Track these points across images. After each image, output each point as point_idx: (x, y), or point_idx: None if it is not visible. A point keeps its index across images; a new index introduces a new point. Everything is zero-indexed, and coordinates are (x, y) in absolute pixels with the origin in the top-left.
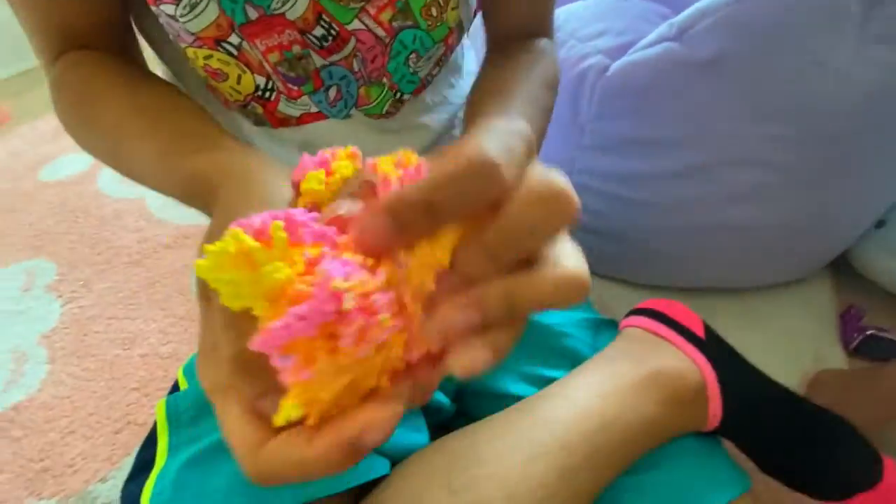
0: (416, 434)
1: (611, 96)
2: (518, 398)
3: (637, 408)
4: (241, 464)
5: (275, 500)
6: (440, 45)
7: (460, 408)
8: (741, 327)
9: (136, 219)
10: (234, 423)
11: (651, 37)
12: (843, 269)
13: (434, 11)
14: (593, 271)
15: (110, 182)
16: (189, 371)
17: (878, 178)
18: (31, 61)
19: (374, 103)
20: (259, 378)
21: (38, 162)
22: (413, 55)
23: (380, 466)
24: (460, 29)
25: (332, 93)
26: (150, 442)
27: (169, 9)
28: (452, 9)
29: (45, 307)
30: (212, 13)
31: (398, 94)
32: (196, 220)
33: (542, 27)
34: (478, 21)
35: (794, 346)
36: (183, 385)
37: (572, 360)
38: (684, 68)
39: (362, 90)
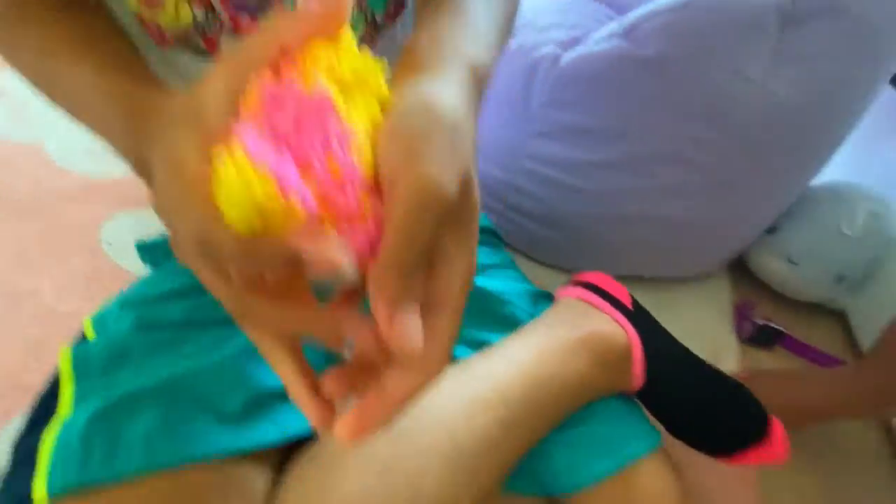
0: None
1: (561, 86)
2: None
3: (571, 367)
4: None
5: (201, 447)
6: None
7: None
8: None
9: (34, 167)
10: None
11: (602, 33)
12: (738, 268)
13: None
14: (530, 256)
15: (3, 123)
16: (98, 322)
17: (779, 187)
18: None
19: None
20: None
21: None
22: None
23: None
24: None
25: None
26: (50, 395)
27: None
28: None
29: None
30: None
31: (369, 14)
32: (106, 169)
33: None
34: None
35: (696, 333)
36: (91, 336)
37: (512, 327)
38: (629, 65)
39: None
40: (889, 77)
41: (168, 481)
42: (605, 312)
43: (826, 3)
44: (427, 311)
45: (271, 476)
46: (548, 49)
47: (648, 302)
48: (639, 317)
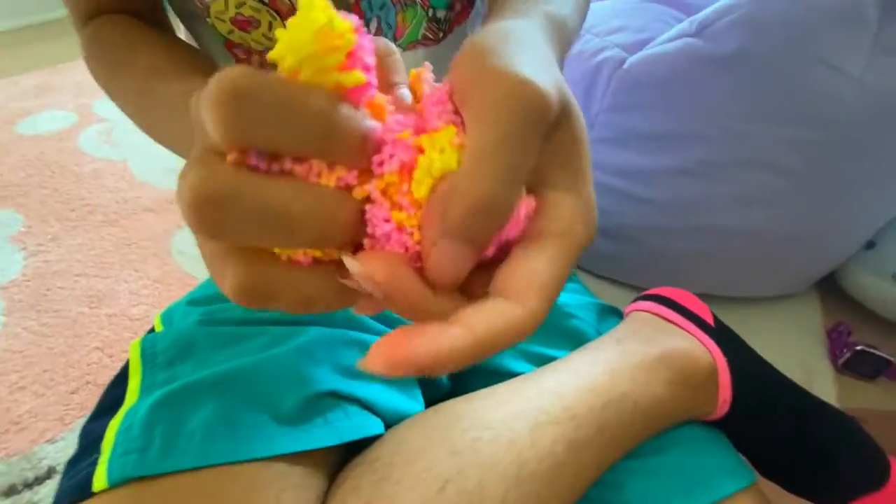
0: (412, 402)
1: (626, 89)
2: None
3: (647, 386)
4: (229, 279)
5: (258, 446)
6: None
7: (456, 386)
8: None
9: (116, 180)
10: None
11: (670, 33)
12: (828, 287)
13: None
14: (590, 270)
15: (93, 141)
16: (167, 317)
17: (878, 197)
18: (19, 19)
19: (410, 27)
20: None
21: (17, 115)
22: None
23: (374, 425)
24: None
25: (373, 26)
26: (120, 381)
27: None
28: None
29: (7, 258)
30: None
31: (430, 12)
32: None
33: None
34: None
35: (783, 359)
36: (160, 329)
37: (576, 342)
38: (703, 64)
39: (399, 17)
40: None
41: (224, 476)
42: (684, 328)
43: None
44: (520, 248)
45: (326, 479)
46: (611, 52)
47: (726, 323)
48: (723, 335)
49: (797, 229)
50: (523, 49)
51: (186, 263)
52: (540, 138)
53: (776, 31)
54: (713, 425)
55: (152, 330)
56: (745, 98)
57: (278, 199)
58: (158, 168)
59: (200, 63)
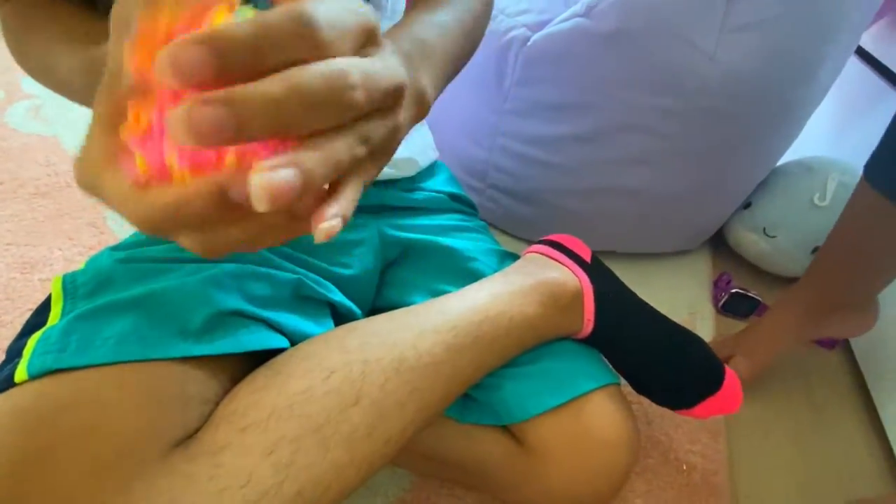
0: (321, 328)
1: (530, 64)
2: None
3: (520, 306)
4: (127, 211)
5: (165, 349)
6: None
7: None
8: (634, 286)
9: (47, 154)
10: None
11: (565, 13)
12: (718, 243)
13: None
14: (510, 233)
15: (20, 118)
16: (91, 261)
17: (746, 160)
18: None
19: None
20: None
21: None
22: None
23: (277, 340)
24: None
25: None
26: (42, 310)
27: None
28: None
29: None
30: None
31: None
32: None
33: None
34: None
35: (674, 304)
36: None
37: (475, 280)
38: (590, 40)
39: None
40: (848, 52)
41: (134, 369)
42: (561, 262)
43: None
44: None
45: (231, 382)
46: (518, 31)
47: (626, 276)
48: (596, 269)
49: (677, 189)
50: None
51: (122, 230)
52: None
53: (644, 13)
54: (585, 342)
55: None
56: (624, 71)
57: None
58: None
59: (84, 25)
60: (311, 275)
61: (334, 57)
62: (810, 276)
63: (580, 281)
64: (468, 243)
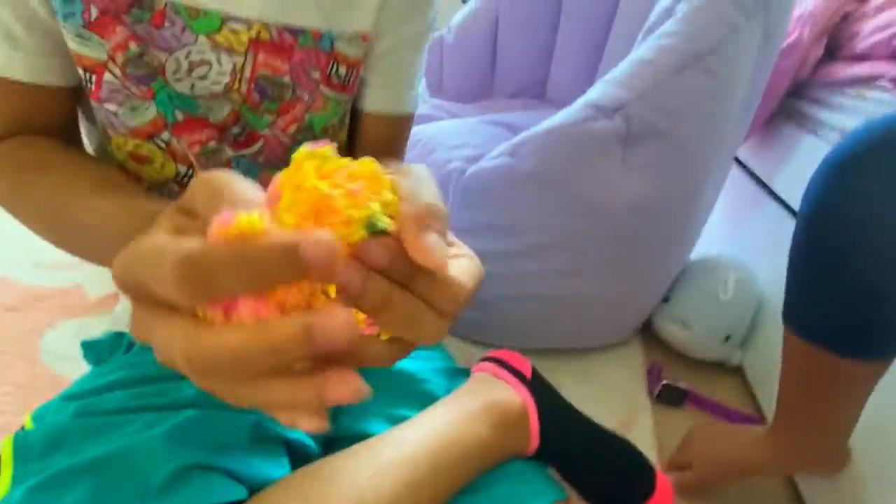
0: (277, 468)
1: (467, 192)
2: None
3: (474, 430)
4: (178, 356)
5: None
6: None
7: (327, 451)
8: (577, 382)
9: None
10: (173, 324)
11: (494, 152)
12: (647, 335)
13: (331, 132)
14: (461, 336)
15: None
16: (38, 416)
17: (657, 265)
18: None
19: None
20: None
21: None
22: None
23: (237, 491)
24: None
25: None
26: None
27: (111, 107)
28: (344, 132)
29: None
30: (151, 113)
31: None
32: (52, 281)
33: (398, 158)
34: None
35: (614, 396)
36: (30, 427)
37: (429, 402)
38: (514, 176)
39: (265, 173)
40: (724, 173)
41: None
42: (506, 381)
43: (650, 129)
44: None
45: None
46: (456, 164)
47: (570, 371)
48: (536, 384)
49: (601, 293)
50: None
51: (57, 364)
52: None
53: (558, 157)
54: (534, 459)
55: (23, 428)
56: (544, 201)
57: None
58: (26, 263)
59: (113, 178)
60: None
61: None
62: (777, 422)
63: (524, 399)
64: (419, 363)
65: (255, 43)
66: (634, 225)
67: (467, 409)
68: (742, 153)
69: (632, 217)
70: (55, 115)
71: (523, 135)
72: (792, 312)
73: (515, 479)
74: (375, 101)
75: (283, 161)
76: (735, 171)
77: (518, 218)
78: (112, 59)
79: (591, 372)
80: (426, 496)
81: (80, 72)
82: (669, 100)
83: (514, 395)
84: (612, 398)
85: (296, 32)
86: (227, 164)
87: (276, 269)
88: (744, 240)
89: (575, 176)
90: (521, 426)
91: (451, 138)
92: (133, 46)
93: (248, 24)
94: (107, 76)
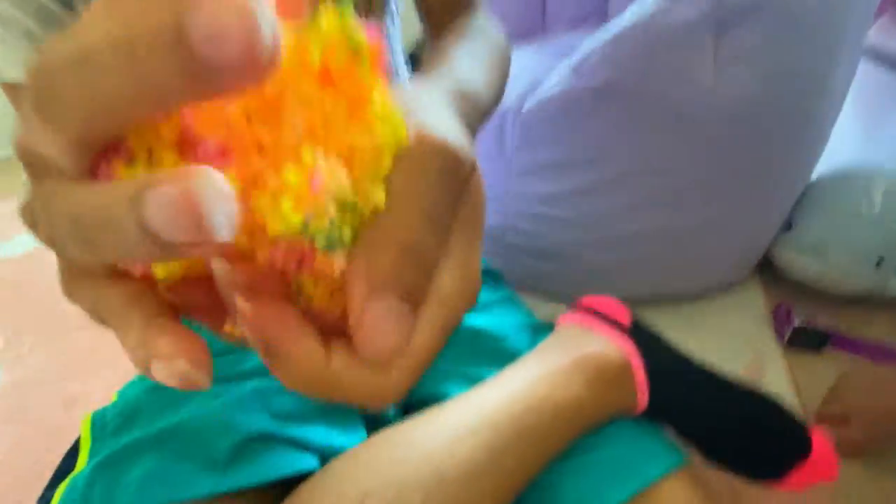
0: (352, 437)
1: (527, 130)
2: None
3: (564, 389)
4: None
5: (191, 489)
6: None
7: (404, 418)
8: (682, 335)
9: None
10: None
11: (552, 78)
12: (768, 271)
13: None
14: (537, 290)
15: None
16: (122, 391)
17: (768, 183)
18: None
19: None
20: None
21: None
22: None
23: (306, 461)
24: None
25: None
26: (72, 453)
27: None
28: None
29: None
30: None
31: None
32: None
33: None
34: None
35: (733, 347)
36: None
37: (510, 361)
38: (581, 98)
39: None
40: (855, 57)
41: None
42: (601, 333)
43: (748, 4)
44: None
45: None
46: (511, 102)
47: (677, 322)
48: (638, 332)
49: (701, 223)
50: (437, 112)
51: None
52: (458, 193)
53: (634, 62)
54: (645, 418)
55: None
56: (621, 120)
57: None
58: None
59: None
60: None
61: None
62: None
63: (625, 350)
64: (498, 320)
65: None
66: (738, 133)
67: (556, 366)
68: (873, 37)
69: (734, 123)
70: None
71: (584, 48)
72: None
73: (624, 441)
74: None
75: None
76: (866, 65)
77: (590, 148)
78: None
79: (701, 321)
80: (511, 462)
81: None
82: None
83: (611, 347)
84: (732, 348)
85: None
86: None
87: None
88: (886, 143)
89: (655, 83)
90: (624, 381)
91: None
92: None
93: None
94: None
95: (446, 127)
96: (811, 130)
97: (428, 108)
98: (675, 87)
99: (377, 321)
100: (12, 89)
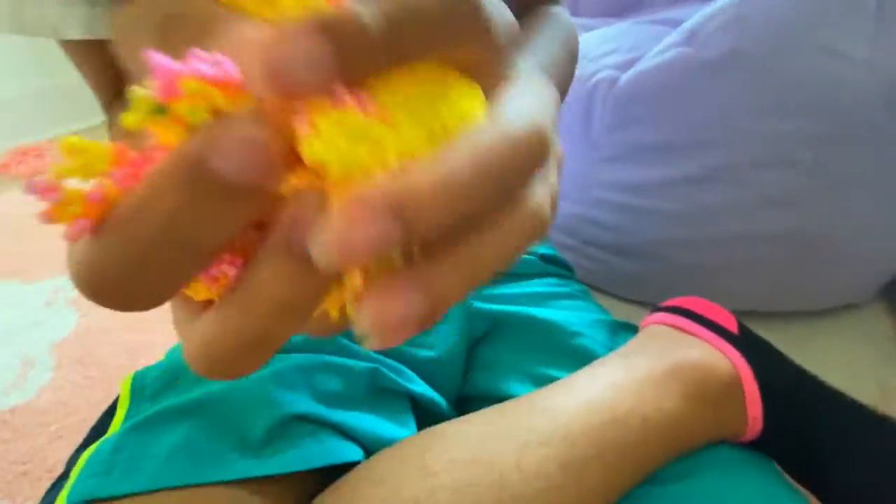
0: (402, 429)
1: (622, 106)
2: None
3: (656, 402)
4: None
5: (221, 470)
6: None
7: (460, 414)
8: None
9: None
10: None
11: (660, 46)
12: (894, 292)
13: None
14: (614, 293)
15: None
16: (171, 351)
17: None
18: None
19: None
20: None
21: None
22: None
23: (349, 452)
24: None
25: None
26: (110, 413)
27: None
28: None
29: (63, 319)
30: None
31: None
32: None
33: None
34: None
35: (853, 377)
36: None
37: (584, 361)
38: (697, 70)
39: None
40: None
41: (179, 499)
42: (701, 337)
43: None
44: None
45: None
46: (605, 73)
47: (784, 343)
48: (749, 343)
49: (833, 230)
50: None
51: None
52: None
53: (767, 27)
54: (754, 448)
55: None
56: (744, 98)
57: None
58: None
59: None
60: (388, 360)
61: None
62: None
63: (733, 361)
64: (569, 313)
65: None
66: (887, 119)
67: (644, 373)
68: None
69: (886, 105)
70: None
71: (699, 16)
72: None
73: (727, 469)
74: None
75: None
76: None
77: (700, 129)
78: None
79: (813, 343)
80: (588, 483)
81: None
82: None
83: (714, 355)
84: (851, 380)
85: None
86: None
87: None
88: None
89: (792, 52)
90: (731, 400)
91: (595, 47)
92: None
93: None
94: None
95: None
96: None
97: None
98: (820, 60)
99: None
100: (73, 46)
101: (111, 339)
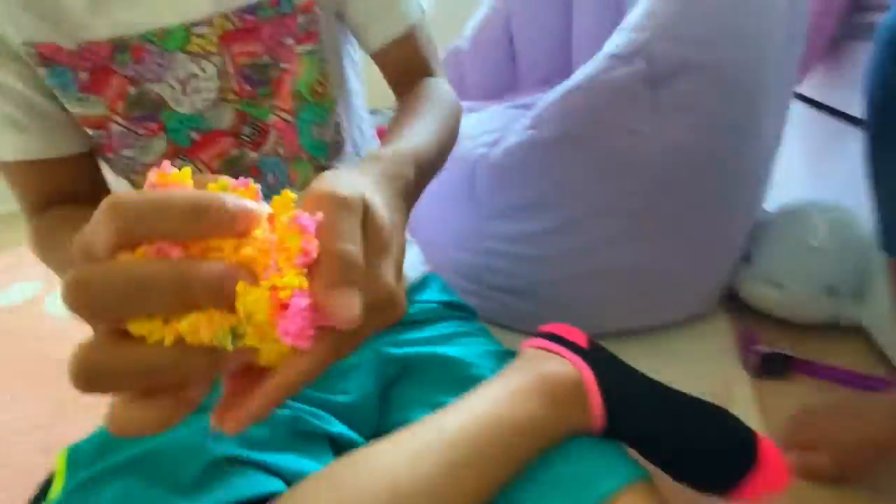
0: (320, 464)
1: (495, 176)
2: None
3: (522, 408)
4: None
5: None
6: (330, 113)
7: None
8: (652, 366)
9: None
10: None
11: (517, 127)
12: (735, 302)
13: (320, 91)
14: (509, 326)
15: (60, 306)
16: (101, 427)
17: (719, 219)
18: None
19: (300, 177)
20: None
21: None
22: (314, 127)
23: (275, 484)
24: (343, 99)
25: (270, 179)
26: (46, 485)
27: (127, 153)
28: (333, 87)
29: None
30: (161, 145)
31: (315, 161)
32: None
33: (426, 70)
34: None
35: (701, 376)
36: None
37: (475, 386)
38: (541, 147)
39: (290, 168)
40: (783, 106)
41: None
42: (558, 353)
43: (678, 63)
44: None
45: None
46: (480, 150)
47: (647, 353)
48: (594, 354)
49: (661, 257)
50: (340, 179)
51: None
52: (357, 221)
53: (582, 115)
54: (606, 435)
55: None
56: (576, 166)
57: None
58: None
59: None
60: (307, 407)
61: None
62: None
63: (579, 369)
64: (465, 349)
65: (224, 37)
66: (679, 176)
67: (515, 386)
68: (809, 89)
69: (675, 164)
70: (81, 180)
71: (542, 103)
72: (889, 234)
73: (582, 457)
74: (376, 36)
75: (297, 147)
76: (809, 112)
77: (551, 191)
78: (113, 110)
79: (674, 351)
80: (470, 479)
81: (89, 132)
82: (694, 28)
83: (567, 367)
84: (702, 377)
85: (253, 8)
86: (254, 171)
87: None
88: (833, 180)
89: (602, 131)
90: (578, 399)
91: (472, 129)
92: (130, 90)
93: (209, 22)
94: (114, 127)
95: (341, 183)
96: (750, 166)
97: (338, 176)
98: (617, 137)
99: (341, 301)
100: (3, 165)
101: (23, 437)
